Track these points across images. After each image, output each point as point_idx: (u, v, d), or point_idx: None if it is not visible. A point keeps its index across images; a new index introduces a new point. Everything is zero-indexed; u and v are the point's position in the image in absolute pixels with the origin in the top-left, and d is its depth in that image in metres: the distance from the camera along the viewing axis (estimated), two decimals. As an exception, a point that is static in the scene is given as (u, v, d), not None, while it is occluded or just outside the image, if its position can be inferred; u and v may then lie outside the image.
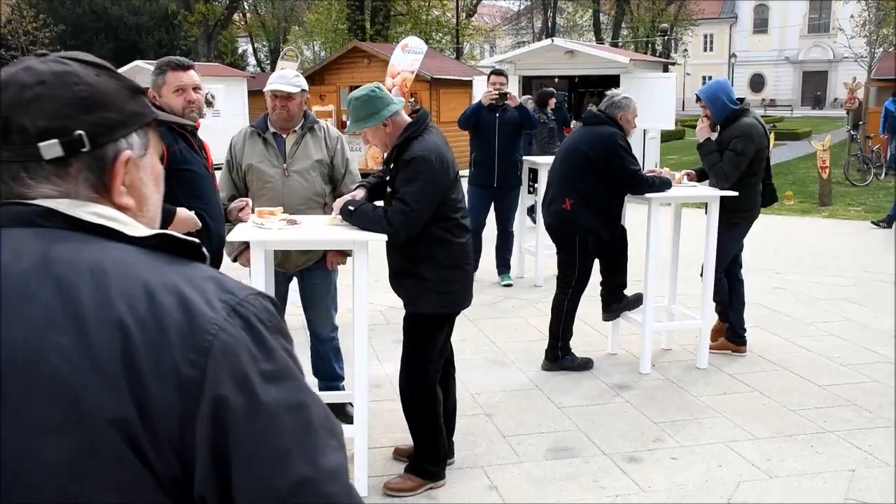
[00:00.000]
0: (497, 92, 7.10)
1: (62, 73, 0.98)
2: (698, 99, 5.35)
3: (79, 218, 0.96)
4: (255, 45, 47.59)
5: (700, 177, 5.44)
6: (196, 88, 3.40)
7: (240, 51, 45.86)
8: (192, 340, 0.89)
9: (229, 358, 0.90)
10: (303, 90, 3.98)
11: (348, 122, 3.63)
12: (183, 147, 3.33)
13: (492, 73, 7.54)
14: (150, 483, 0.87)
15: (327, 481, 0.92)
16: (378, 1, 28.28)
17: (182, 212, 3.21)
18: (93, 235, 0.96)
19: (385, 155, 3.63)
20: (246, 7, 40.39)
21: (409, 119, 3.54)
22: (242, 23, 41.89)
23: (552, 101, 10.77)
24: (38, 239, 0.94)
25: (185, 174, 3.31)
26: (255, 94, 24.45)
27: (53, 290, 0.89)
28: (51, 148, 0.96)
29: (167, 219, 3.20)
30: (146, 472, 0.87)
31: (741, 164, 5.04)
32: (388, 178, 3.54)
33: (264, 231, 3.36)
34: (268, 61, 46.70)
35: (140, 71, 21.25)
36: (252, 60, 48.98)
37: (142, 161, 1.06)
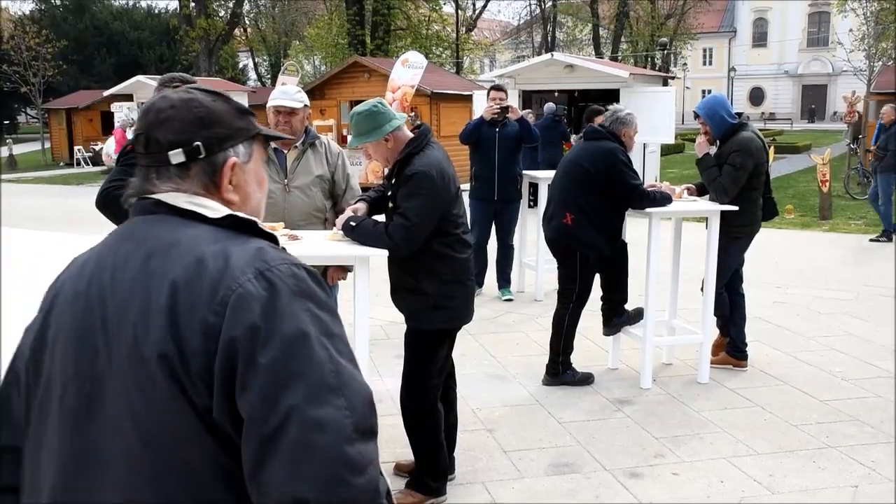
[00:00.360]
0: (498, 106, 7.13)
1: (187, 100, 1.32)
2: (696, 115, 5.37)
3: (176, 205, 1.28)
4: (256, 60, 47.80)
5: (700, 191, 5.45)
6: None
7: (240, 65, 46.10)
8: (219, 295, 1.15)
9: (244, 309, 1.13)
10: (305, 105, 4.01)
11: (350, 137, 3.64)
12: None
13: (491, 88, 7.58)
14: (187, 409, 1.13)
15: (308, 424, 1.08)
16: (378, 16, 28.39)
17: None
18: (185, 218, 1.27)
19: (386, 170, 3.64)
20: (247, 22, 40.57)
21: (410, 134, 3.55)
22: (243, 38, 42.06)
23: (598, 119, 10.64)
24: (148, 223, 1.28)
25: None
26: (255, 109, 24.56)
27: (141, 260, 1.22)
28: (176, 155, 1.29)
29: None
30: (183, 399, 1.13)
31: (740, 178, 5.05)
32: (389, 192, 3.55)
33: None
34: (268, 76, 46.90)
35: (142, 86, 21.38)
36: (253, 75, 49.21)
37: (246, 166, 1.37)
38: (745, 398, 5.03)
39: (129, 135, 20.90)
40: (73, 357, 1.23)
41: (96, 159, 26.17)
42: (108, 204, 3.17)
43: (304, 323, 1.15)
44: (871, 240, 10.71)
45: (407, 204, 3.35)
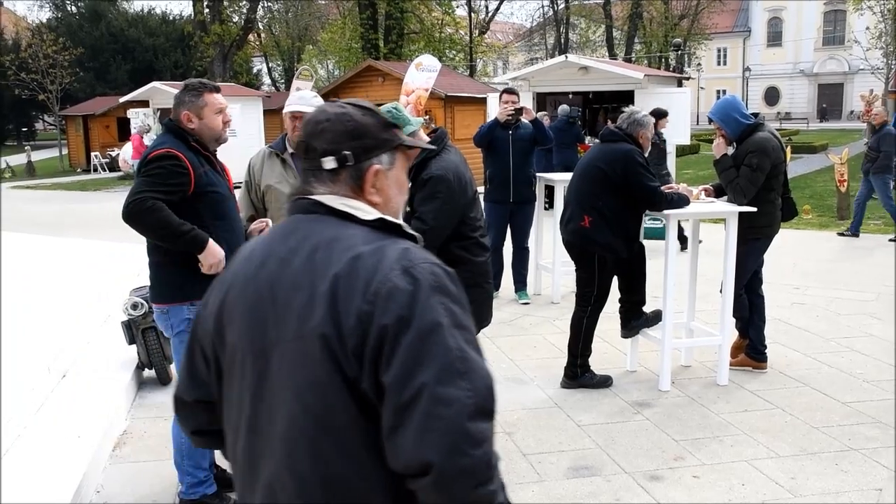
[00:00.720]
0: (513, 108, 7.13)
1: (341, 114, 1.54)
2: (710, 120, 5.35)
3: (333, 207, 1.50)
4: (270, 65, 48.02)
5: (718, 192, 5.42)
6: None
7: (254, 70, 46.30)
8: (371, 288, 1.36)
9: (393, 301, 1.35)
10: None
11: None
12: (208, 170, 3.37)
13: (504, 91, 7.59)
14: (340, 380, 1.36)
15: (436, 399, 1.30)
16: (391, 20, 28.47)
17: (213, 243, 3.28)
18: (340, 219, 1.49)
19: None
20: (260, 27, 40.75)
21: (426, 139, 3.56)
22: (257, 43, 42.25)
23: (663, 122, 10.41)
24: (309, 221, 1.50)
25: (212, 196, 3.35)
26: (270, 114, 24.66)
27: (307, 253, 1.45)
28: (329, 162, 1.52)
29: (201, 244, 3.24)
30: (337, 372, 1.36)
31: (757, 179, 5.02)
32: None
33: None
34: (282, 80, 47.10)
35: (157, 92, 21.52)
36: (266, 80, 49.43)
37: (388, 173, 1.58)
38: (765, 400, 4.99)
39: (146, 141, 21.04)
40: (248, 333, 1.48)
41: (113, 165, 26.36)
42: (135, 215, 3.19)
43: (440, 315, 1.36)
44: (891, 240, 10.63)
45: (424, 208, 3.36)
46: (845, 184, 12.41)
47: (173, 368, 5.39)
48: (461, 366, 1.33)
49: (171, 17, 45.04)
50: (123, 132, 27.05)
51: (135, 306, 5.14)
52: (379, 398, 1.35)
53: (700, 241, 9.45)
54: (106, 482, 4.00)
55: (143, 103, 22.50)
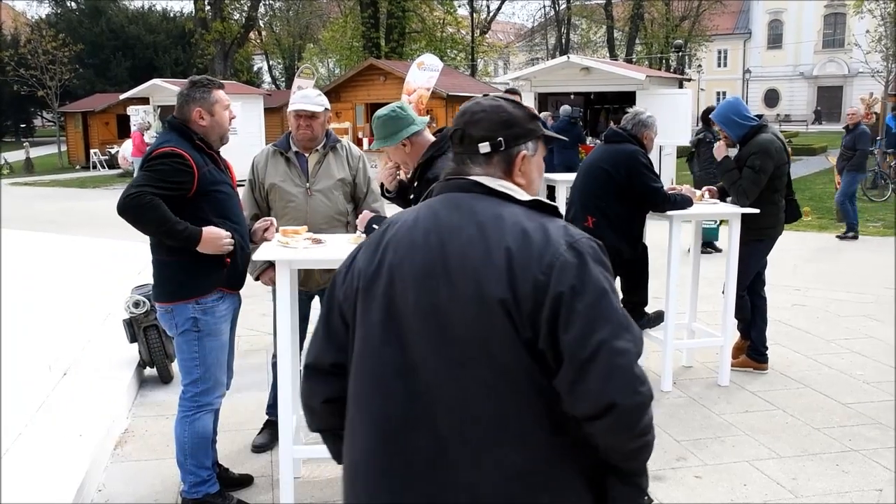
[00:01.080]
0: None
1: (496, 106, 1.76)
2: (713, 122, 5.36)
3: (491, 187, 1.70)
4: (270, 63, 47.99)
5: (722, 193, 5.42)
6: None
7: (255, 68, 46.26)
8: (545, 260, 1.57)
9: (565, 273, 1.56)
10: (326, 109, 4.02)
11: (373, 140, 3.66)
12: (212, 168, 3.36)
13: (506, 91, 7.61)
14: (515, 338, 1.56)
15: (614, 352, 1.53)
16: (393, 19, 28.46)
17: (208, 230, 3.25)
18: (497, 198, 1.69)
19: (408, 174, 3.65)
20: (261, 25, 40.73)
21: (432, 138, 3.56)
22: (258, 41, 42.22)
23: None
24: (469, 199, 1.69)
25: (216, 195, 3.34)
26: (270, 112, 24.65)
27: (475, 227, 1.63)
28: (484, 147, 1.74)
29: (195, 241, 3.23)
30: (514, 333, 1.56)
31: (760, 180, 5.03)
32: (412, 196, 3.56)
33: (290, 250, 3.38)
34: (283, 78, 47.10)
35: (158, 89, 21.49)
36: (267, 78, 49.40)
37: (532, 158, 1.80)
38: (766, 401, 5.00)
39: (147, 138, 21.02)
40: (413, 291, 1.64)
41: (112, 162, 26.37)
42: (130, 209, 3.16)
43: (603, 282, 1.59)
44: (838, 237, 10.74)
45: (430, 207, 3.36)
46: (844, 186, 12.39)
47: (175, 367, 5.40)
48: (625, 322, 1.59)
49: (171, 14, 44.99)
50: (123, 129, 27.05)
51: (136, 304, 5.14)
52: (553, 356, 1.57)
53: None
54: (108, 481, 4.00)
55: (144, 100, 22.48)
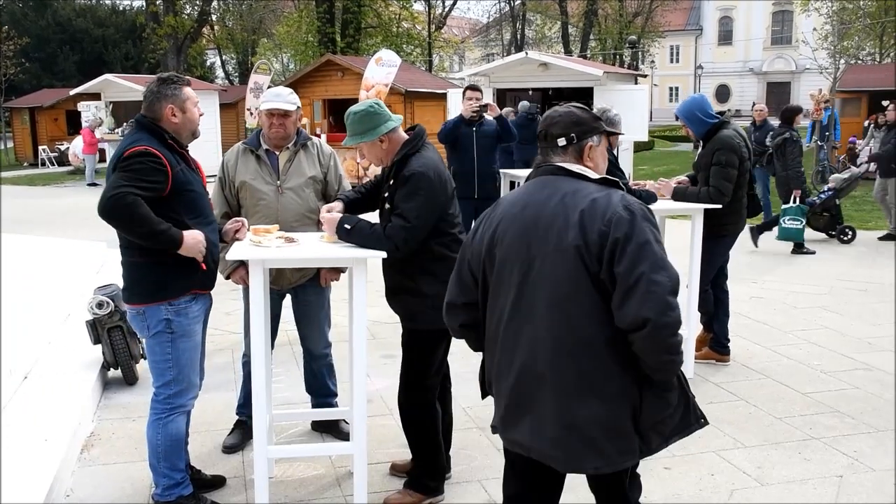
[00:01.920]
0: (477, 105, 7.18)
1: (568, 111, 2.49)
2: (677, 117, 5.44)
3: (570, 169, 2.41)
4: (224, 58, 47.31)
5: (693, 183, 5.47)
6: None
7: (208, 63, 45.57)
8: (606, 216, 2.24)
9: (619, 225, 2.23)
10: (297, 107, 4.01)
11: (344, 137, 3.65)
12: (184, 167, 3.33)
13: (467, 88, 7.64)
14: (586, 274, 2.25)
15: (651, 282, 2.19)
16: (349, 14, 28.31)
17: (189, 234, 3.24)
18: (575, 178, 2.39)
19: (364, 171, 3.65)
20: (213, 19, 40.12)
21: (405, 136, 3.57)
22: (211, 35, 41.59)
23: (799, 118, 10.07)
24: (554, 179, 2.40)
25: (188, 195, 3.31)
26: (226, 107, 24.30)
27: (559, 198, 2.34)
28: (561, 141, 2.46)
29: (176, 244, 3.19)
30: (585, 272, 2.25)
31: (730, 174, 5.12)
32: (385, 193, 3.56)
33: (263, 249, 3.36)
34: (236, 74, 46.46)
35: (110, 84, 21.06)
36: (220, 73, 48.69)
37: (597, 147, 2.50)
38: (730, 392, 5.12)
39: (98, 134, 20.60)
40: (516, 249, 2.40)
41: (62, 159, 25.76)
42: (114, 211, 3.10)
43: (648, 234, 2.25)
44: (751, 228, 11.02)
45: (405, 205, 3.36)
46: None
47: (139, 368, 5.32)
48: (662, 264, 2.24)
49: (121, 8, 44.08)
50: (73, 125, 26.42)
51: (100, 305, 5.05)
52: (611, 283, 2.25)
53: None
54: (76, 486, 3.93)
55: (95, 96, 21.99)
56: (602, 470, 2.37)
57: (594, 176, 2.40)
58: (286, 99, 3.94)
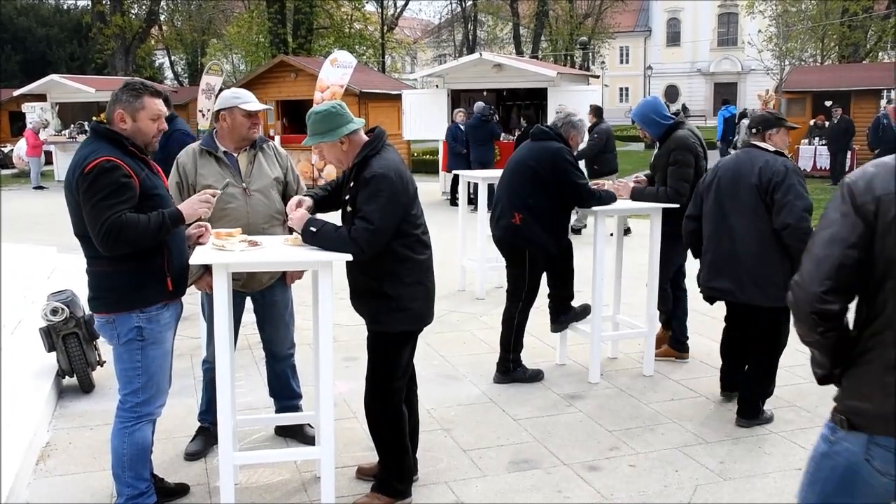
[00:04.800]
0: None
1: (760, 114, 4.78)
2: (633, 121, 5.50)
3: (759, 146, 4.52)
4: (172, 59, 46.50)
5: (651, 182, 5.54)
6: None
7: (156, 64, 44.75)
8: (772, 170, 4.32)
9: (777, 174, 4.29)
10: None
11: (307, 136, 3.61)
12: (148, 173, 3.26)
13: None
14: (763, 208, 4.34)
15: (792, 205, 4.24)
16: (300, 14, 28.06)
17: (184, 206, 3.29)
18: (762, 151, 4.47)
19: (319, 172, 3.63)
20: (162, 19, 39.39)
21: (366, 138, 3.55)
22: (160, 36, 40.85)
23: (838, 111, 10.04)
24: (749, 150, 4.54)
25: (155, 200, 3.25)
26: (176, 109, 23.84)
27: (751, 160, 4.44)
28: (754, 130, 4.63)
29: (177, 221, 3.21)
30: (760, 198, 4.34)
31: (687, 174, 5.20)
32: (346, 196, 3.53)
33: (227, 253, 3.30)
34: (185, 75, 45.69)
35: (56, 85, 20.55)
36: (169, 74, 47.85)
37: (776, 135, 4.55)
38: (690, 389, 5.20)
39: (43, 136, 20.07)
40: (725, 190, 4.48)
41: (5, 162, 25.02)
42: (117, 240, 3.08)
43: (794, 180, 4.24)
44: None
45: (368, 207, 3.34)
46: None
47: (96, 376, 5.20)
48: (803, 192, 4.23)
49: (65, 7, 42.97)
50: (17, 127, 25.69)
51: (54, 311, 4.92)
52: (772, 203, 4.24)
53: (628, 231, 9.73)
54: (32, 497, 3.82)
55: (40, 97, 21.43)
56: (765, 304, 4.39)
57: (771, 148, 4.43)
58: (257, 101, 3.95)
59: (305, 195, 3.74)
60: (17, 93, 22.74)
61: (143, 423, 3.36)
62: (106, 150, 3.14)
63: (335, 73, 14.66)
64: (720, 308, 5.01)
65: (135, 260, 3.17)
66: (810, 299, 2.07)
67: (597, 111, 11.70)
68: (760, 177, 4.25)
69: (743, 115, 10.04)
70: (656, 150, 5.49)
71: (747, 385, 4.67)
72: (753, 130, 4.51)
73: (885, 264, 1.98)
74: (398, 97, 17.25)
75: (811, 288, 2.06)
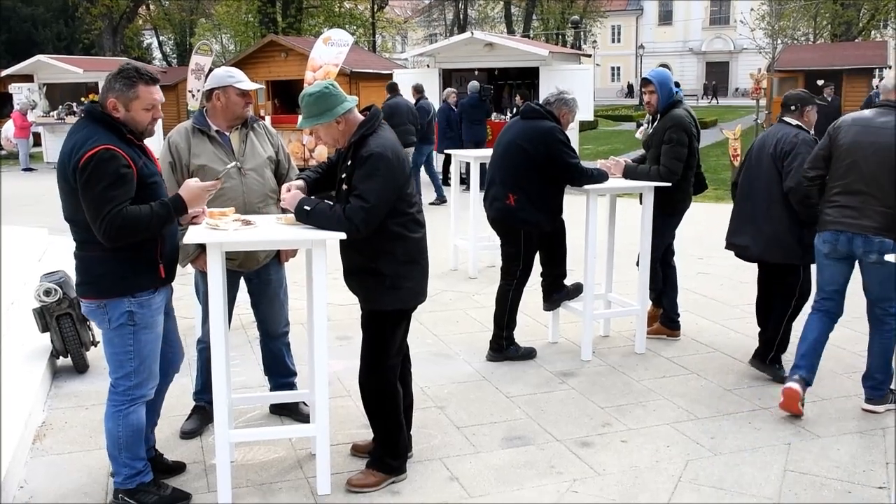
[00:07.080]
0: None
1: (794, 92, 5.10)
2: (647, 82, 5.35)
3: (789, 122, 4.90)
4: (161, 39, 46.10)
5: (640, 162, 5.53)
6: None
7: (144, 44, 44.36)
8: (788, 140, 4.75)
9: (789, 143, 4.73)
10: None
11: (300, 118, 3.61)
12: (145, 160, 3.25)
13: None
14: (774, 165, 4.78)
15: (797, 171, 4.64)
16: (290, -7, 27.81)
17: (185, 192, 3.27)
18: (792, 127, 4.86)
19: (309, 152, 3.64)
20: (150, -2, 38.99)
21: (361, 117, 3.55)
22: (147, 15, 40.45)
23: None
24: (782, 125, 4.92)
25: (153, 187, 3.25)
26: (165, 89, 23.60)
27: (783, 133, 4.83)
28: (792, 108, 4.94)
29: (179, 209, 3.22)
30: (775, 164, 4.78)
31: (681, 153, 5.21)
32: (343, 175, 3.53)
33: (221, 232, 3.31)
34: (174, 55, 45.33)
35: (43, 66, 20.34)
36: (157, 54, 47.47)
37: (810, 112, 4.95)
38: (681, 366, 5.25)
39: (31, 117, 19.90)
40: (747, 164, 5.00)
41: (-7, 144, 24.81)
42: (118, 234, 3.07)
43: (802, 148, 4.69)
44: (430, 203, 11.12)
45: (364, 185, 3.35)
46: (739, 158, 13.01)
47: (90, 356, 5.21)
48: (810, 156, 4.54)
49: (51, -14, 42.40)
50: (3, 108, 25.43)
51: (48, 292, 4.92)
52: (783, 169, 4.69)
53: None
54: (29, 477, 3.84)
55: (27, 78, 21.21)
56: (774, 260, 4.88)
57: (798, 124, 4.81)
58: (250, 80, 3.95)
59: (297, 178, 3.74)
60: (3, 73, 22.47)
61: (137, 405, 3.37)
62: (104, 137, 3.09)
63: (329, 52, 14.53)
64: (710, 286, 5.10)
65: (128, 247, 3.16)
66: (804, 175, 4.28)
67: (418, 88, 12.95)
68: (776, 147, 4.72)
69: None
70: (649, 127, 5.48)
71: (765, 330, 5.14)
72: (792, 108, 4.84)
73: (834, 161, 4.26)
74: (389, 76, 17.14)
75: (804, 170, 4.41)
